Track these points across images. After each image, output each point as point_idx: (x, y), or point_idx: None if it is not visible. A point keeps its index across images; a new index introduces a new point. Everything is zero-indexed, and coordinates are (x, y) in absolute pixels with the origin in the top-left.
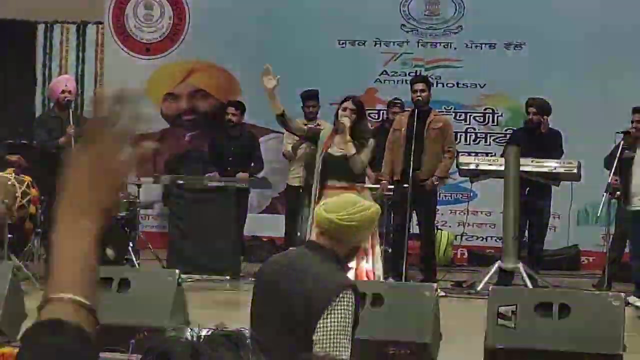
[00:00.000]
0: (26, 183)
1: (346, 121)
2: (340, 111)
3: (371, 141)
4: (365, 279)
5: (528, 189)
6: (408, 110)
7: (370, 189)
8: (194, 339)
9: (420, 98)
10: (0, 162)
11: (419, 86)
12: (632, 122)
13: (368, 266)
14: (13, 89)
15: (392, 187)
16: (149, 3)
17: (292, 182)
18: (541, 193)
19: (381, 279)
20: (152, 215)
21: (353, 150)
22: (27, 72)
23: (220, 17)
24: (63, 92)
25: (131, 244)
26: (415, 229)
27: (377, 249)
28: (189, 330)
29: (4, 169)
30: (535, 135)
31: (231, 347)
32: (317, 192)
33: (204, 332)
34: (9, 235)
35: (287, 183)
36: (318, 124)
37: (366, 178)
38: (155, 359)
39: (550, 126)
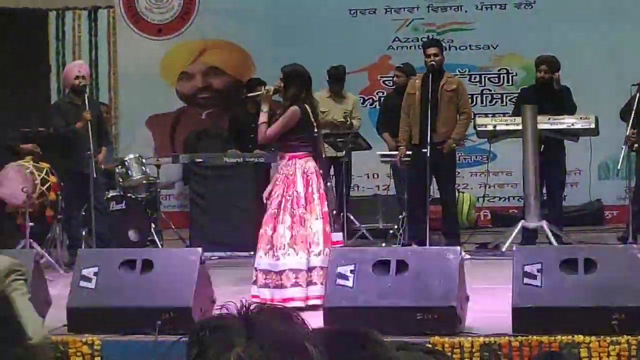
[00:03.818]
0: (45, 170)
1: (266, 88)
2: None
3: (289, 110)
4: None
5: (542, 146)
6: (420, 74)
7: (384, 155)
8: (245, 311)
9: (434, 62)
10: (17, 151)
11: (432, 50)
12: None
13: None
14: (28, 78)
15: (410, 152)
16: None
17: None
18: (556, 150)
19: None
20: (173, 195)
21: (261, 120)
22: (41, 60)
23: None
24: (77, 77)
25: (154, 225)
26: (436, 193)
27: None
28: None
29: (21, 157)
30: (548, 92)
31: (284, 318)
32: None
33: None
34: (30, 224)
35: None
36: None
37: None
38: (209, 333)
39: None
